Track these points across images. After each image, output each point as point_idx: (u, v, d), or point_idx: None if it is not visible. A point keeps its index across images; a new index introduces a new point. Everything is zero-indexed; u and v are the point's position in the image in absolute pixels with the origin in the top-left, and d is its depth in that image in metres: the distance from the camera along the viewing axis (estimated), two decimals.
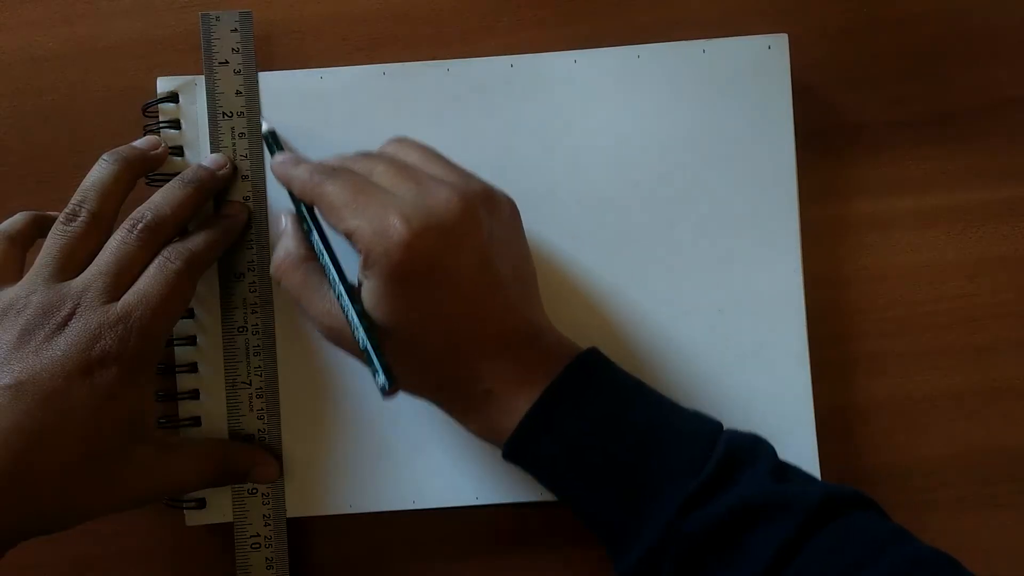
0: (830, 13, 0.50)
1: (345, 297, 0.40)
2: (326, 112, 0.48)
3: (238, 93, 0.47)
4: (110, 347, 0.40)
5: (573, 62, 0.48)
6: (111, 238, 0.43)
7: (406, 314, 0.40)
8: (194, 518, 0.47)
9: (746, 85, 0.47)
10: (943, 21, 0.50)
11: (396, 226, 0.39)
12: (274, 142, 0.46)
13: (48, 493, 0.39)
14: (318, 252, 0.43)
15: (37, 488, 0.39)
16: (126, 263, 0.42)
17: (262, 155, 0.47)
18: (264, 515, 0.47)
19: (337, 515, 0.48)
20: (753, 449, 0.41)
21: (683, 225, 0.48)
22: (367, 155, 0.43)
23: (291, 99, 0.48)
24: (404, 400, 0.44)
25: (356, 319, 0.40)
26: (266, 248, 0.47)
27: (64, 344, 0.40)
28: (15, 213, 0.49)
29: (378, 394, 0.39)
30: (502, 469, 0.46)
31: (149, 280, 0.42)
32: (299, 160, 0.44)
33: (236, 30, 0.47)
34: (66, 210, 0.43)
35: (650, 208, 0.48)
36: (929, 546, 0.38)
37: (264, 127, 0.47)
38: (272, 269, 0.43)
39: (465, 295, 0.40)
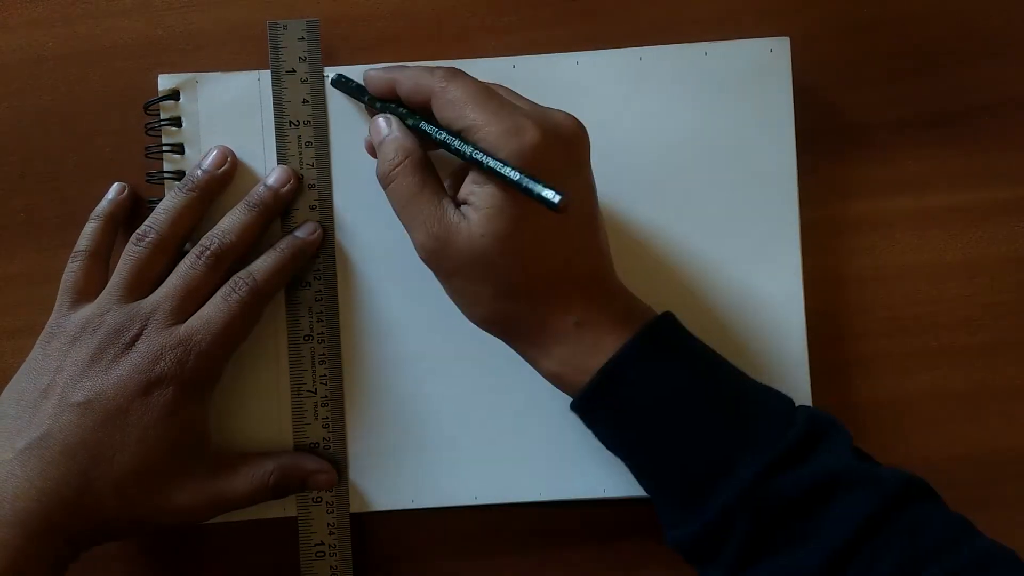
0: (830, 13, 0.50)
1: (482, 153, 0.39)
2: (326, 112, 0.47)
3: (304, 102, 0.47)
4: (168, 369, 0.42)
5: (575, 63, 0.48)
6: (180, 263, 0.44)
7: (517, 223, 0.39)
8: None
9: (748, 87, 0.47)
10: (943, 21, 0.50)
11: (529, 128, 0.39)
12: (346, 80, 0.46)
13: (110, 505, 0.42)
14: (439, 139, 0.41)
15: (100, 500, 0.41)
16: (192, 287, 0.44)
17: (329, 164, 0.47)
18: (328, 523, 0.47)
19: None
20: (833, 424, 0.41)
21: (684, 225, 0.48)
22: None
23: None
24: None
25: (498, 162, 0.38)
26: (332, 257, 0.47)
27: (129, 364, 0.42)
28: (16, 214, 0.49)
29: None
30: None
31: (214, 308, 0.44)
32: (400, 66, 0.44)
33: (303, 39, 0.47)
34: (137, 232, 0.45)
35: (651, 208, 0.48)
36: (995, 541, 0.39)
37: (331, 75, 0.46)
38: (387, 170, 0.42)
39: (573, 221, 0.41)
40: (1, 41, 0.49)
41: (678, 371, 0.41)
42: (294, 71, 0.47)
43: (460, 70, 0.42)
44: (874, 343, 0.49)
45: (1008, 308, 0.50)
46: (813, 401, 0.47)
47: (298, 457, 0.47)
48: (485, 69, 0.47)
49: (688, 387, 0.41)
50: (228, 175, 0.46)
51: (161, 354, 0.42)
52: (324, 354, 0.47)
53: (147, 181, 0.47)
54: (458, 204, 0.41)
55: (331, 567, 0.47)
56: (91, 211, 0.48)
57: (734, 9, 0.49)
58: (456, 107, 0.40)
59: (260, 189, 0.46)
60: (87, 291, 0.44)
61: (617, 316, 0.41)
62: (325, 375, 0.47)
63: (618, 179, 0.47)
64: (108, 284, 0.44)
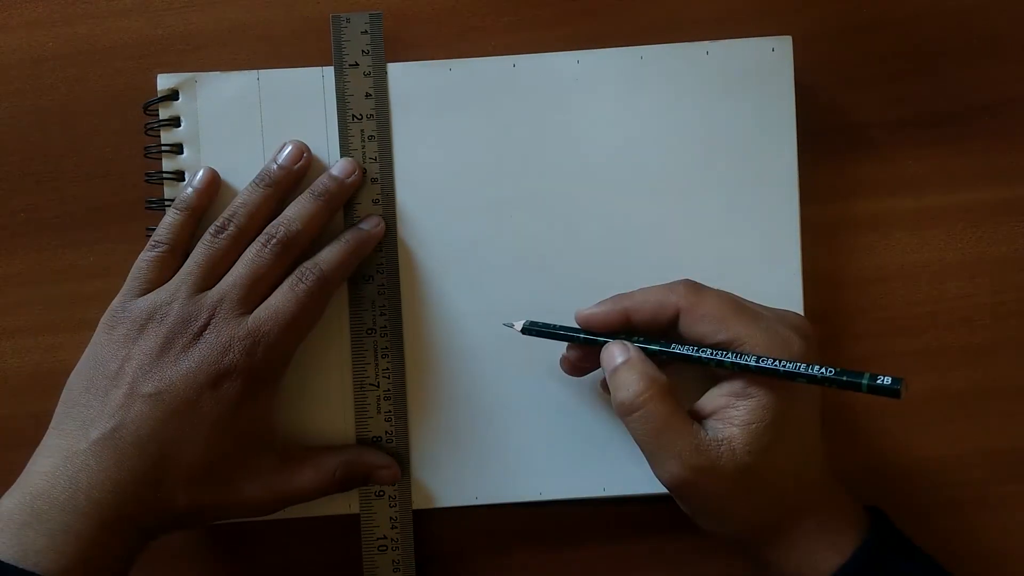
0: (831, 13, 0.50)
1: (774, 363, 0.39)
2: (326, 111, 0.47)
3: (367, 95, 0.47)
4: (237, 360, 0.42)
5: (576, 62, 0.48)
6: (246, 251, 0.44)
7: (781, 432, 0.40)
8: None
9: (749, 87, 0.47)
10: (943, 21, 0.50)
11: (793, 339, 0.40)
12: (541, 326, 0.45)
13: (180, 497, 0.42)
14: (696, 353, 0.41)
15: (170, 491, 0.41)
16: (259, 276, 0.43)
17: (391, 158, 0.47)
18: (391, 518, 0.48)
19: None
20: None
21: (684, 225, 0.48)
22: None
23: (292, 97, 0.47)
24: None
25: (803, 365, 0.39)
26: (394, 250, 0.47)
27: (198, 355, 0.42)
28: (16, 214, 0.49)
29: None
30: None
31: (281, 297, 0.43)
32: (626, 295, 0.44)
33: (366, 32, 0.47)
34: (216, 223, 0.44)
35: (652, 208, 0.48)
36: None
37: (518, 325, 0.46)
38: (630, 398, 0.41)
39: (814, 427, 0.42)
40: (1, 41, 0.49)
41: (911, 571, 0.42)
42: (357, 65, 0.47)
43: (698, 284, 0.43)
44: (874, 343, 0.49)
45: (1008, 308, 0.50)
46: None
47: (363, 451, 0.47)
48: (487, 69, 0.48)
49: None
50: (303, 170, 0.46)
51: (230, 345, 0.42)
52: (387, 348, 0.47)
53: (146, 181, 0.47)
54: (699, 421, 0.41)
55: (393, 561, 0.47)
56: (91, 211, 0.48)
57: (735, 8, 0.49)
58: (712, 322, 0.41)
59: (325, 179, 0.46)
60: (157, 281, 0.44)
61: (844, 515, 0.42)
62: (388, 369, 0.47)
63: (618, 179, 0.48)
64: (179, 272, 0.44)
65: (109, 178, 0.49)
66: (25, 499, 0.40)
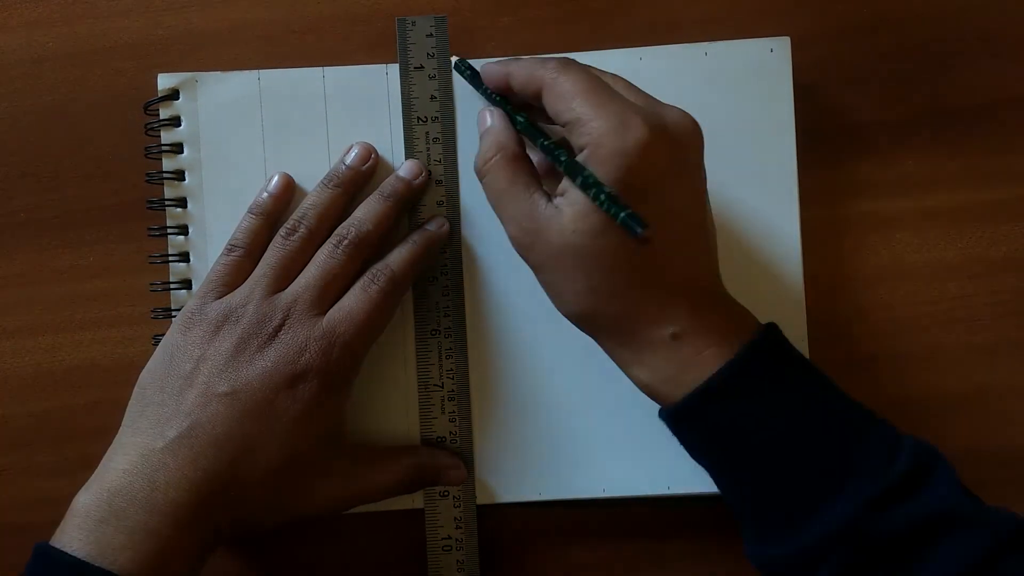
0: (830, 13, 0.50)
1: (574, 168, 0.38)
2: (326, 111, 0.47)
3: (432, 98, 0.47)
4: (313, 361, 0.42)
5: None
6: (318, 252, 0.44)
7: (610, 223, 0.37)
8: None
9: (748, 87, 0.47)
10: (943, 21, 0.50)
11: (637, 125, 0.38)
12: (466, 67, 0.46)
13: (254, 497, 0.42)
14: (538, 141, 0.41)
15: (245, 492, 0.42)
16: (331, 277, 0.44)
17: (456, 160, 0.47)
18: (456, 518, 0.48)
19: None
20: (940, 458, 0.39)
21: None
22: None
23: (294, 97, 0.47)
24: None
25: (591, 176, 0.37)
26: (459, 252, 0.47)
27: (273, 356, 0.42)
28: (16, 214, 0.49)
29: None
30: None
31: (354, 299, 0.44)
32: (517, 59, 0.43)
33: (431, 35, 0.47)
34: (286, 225, 0.45)
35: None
36: None
37: (453, 59, 0.46)
38: (480, 164, 0.42)
39: (674, 224, 0.39)
40: (1, 41, 0.49)
41: (783, 392, 0.39)
42: (422, 67, 0.47)
43: (574, 60, 0.41)
44: (874, 343, 0.49)
45: (1008, 308, 0.50)
46: None
47: (432, 452, 0.47)
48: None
49: (792, 409, 0.39)
50: (371, 171, 0.47)
51: (305, 346, 0.42)
52: (451, 348, 0.47)
53: (147, 181, 0.47)
54: (551, 197, 0.40)
55: (458, 561, 0.47)
56: (91, 211, 0.48)
57: (734, 9, 0.49)
58: (565, 99, 0.39)
59: (393, 180, 0.46)
60: (233, 284, 0.44)
61: (718, 328, 0.39)
62: (452, 369, 0.47)
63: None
64: (252, 274, 0.44)
65: (109, 178, 0.49)
66: (103, 495, 0.40)
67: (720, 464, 0.40)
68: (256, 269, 0.45)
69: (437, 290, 0.47)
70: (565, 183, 0.39)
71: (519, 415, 0.48)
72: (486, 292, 0.48)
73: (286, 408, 0.42)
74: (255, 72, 0.47)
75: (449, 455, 0.47)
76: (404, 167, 0.47)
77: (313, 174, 0.47)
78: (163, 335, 0.47)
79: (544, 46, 0.48)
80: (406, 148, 0.47)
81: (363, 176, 0.46)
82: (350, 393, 0.45)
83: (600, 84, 0.40)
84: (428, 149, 0.47)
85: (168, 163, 0.47)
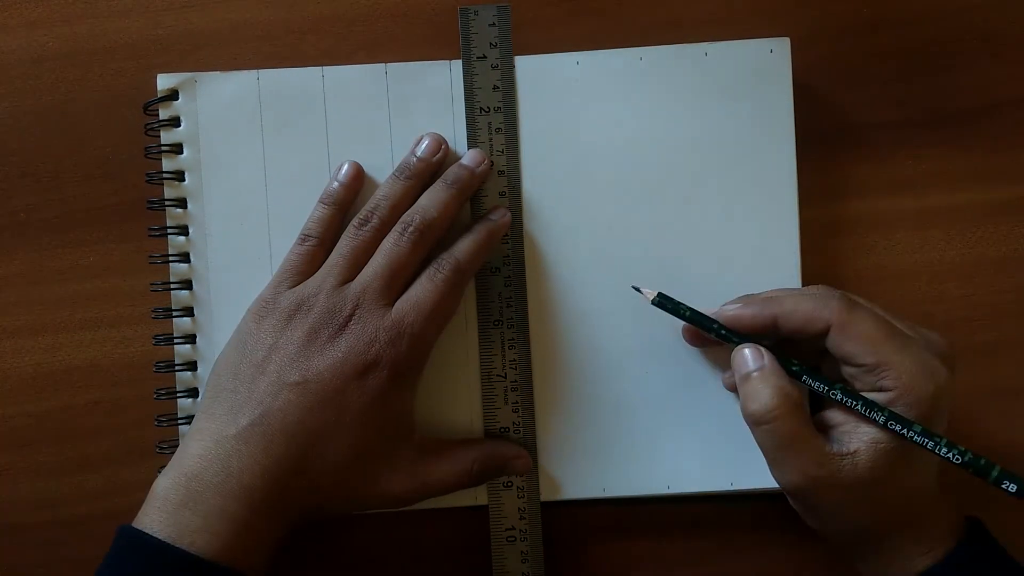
0: (830, 13, 0.50)
1: (903, 425, 0.40)
2: (326, 111, 0.47)
3: (495, 88, 0.47)
4: (383, 351, 0.43)
5: (575, 63, 0.48)
6: (383, 241, 0.45)
7: (907, 454, 0.40)
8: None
9: (748, 88, 0.47)
10: (943, 21, 0.50)
11: (939, 369, 0.40)
12: (674, 303, 0.45)
13: (323, 485, 0.42)
14: (836, 397, 0.42)
15: (315, 480, 0.42)
16: (398, 266, 0.44)
17: (518, 151, 0.47)
18: (519, 508, 0.48)
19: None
20: None
21: (684, 225, 0.48)
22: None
23: (294, 97, 0.47)
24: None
25: (934, 442, 0.40)
26: (520, 244, 0.47)
27: (344, 346, 0.42)
28: (16, 214, 0.49)
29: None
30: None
31: (421, 289, 0.44)
32: (774, 298, 0.44)
33: (494, 24, 0.47)
34: (359, 215, 0.45)
35: (651, 209, 0.48)
36: None
37: (648, 294, 0.46)
38: (762, 411, 0.41)
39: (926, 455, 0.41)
40: (1, 41, 0.49)
41: None
42: (484, 57, 0.47)
43: (851, 296, 0.42)
44: None
45: (1008, 308, 0.50)
46: None
47: (497, 445, 0.47)
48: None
49: None
50: (441, 162, 0.47)
51: (375, 336, 0.43)
52: (513, 339, 0.47)
53: (147, 181, 0.47)
54: (824, 429, 0.42)
55: (521, 552, 0.47)
56: (91, 211, 0.48)
57: (734, 9, 0.49)
58: (862, 343, 0.40)
59: (456, 168, 0.46)
60: (307, 274, 0.45)
61: (945, 520, 0.42)
62: (515, 360, 0.47)
63: (618, 179, 0.48)
64: (325, 264, 0.45)
65: (109, 178, 0.49)
66: (180, 479, 0.41)
67: None
68: (328, 258, 0.45)
69: (499, 281, 0.47)
70: (837, 415, 0.42)
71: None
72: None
73: (356, 398, 0.42)
74: (254, 72, 0.47)
75: (513, 445, 0.47)
76: (467, 156, 0.47)
77: (313, 174, 0.47)
78: (163, 335, 0.47)
79: (545, 46, 0.48)
80: (468, 138, 0.47)
81: (433, 167, 0.46)
82: (417, 384, 0.45)
83: (892, 327, 0.41)
84: (491, 139, 0.47)
85: (168, 163, 0.47)
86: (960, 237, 0.50)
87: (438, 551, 0.49)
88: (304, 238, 0.45)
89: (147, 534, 0.39)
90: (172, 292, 0.47)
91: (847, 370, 0.42)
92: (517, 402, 0.48)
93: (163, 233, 0.47)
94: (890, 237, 0.50)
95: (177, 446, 0.46)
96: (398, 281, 0.44)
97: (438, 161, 0.46)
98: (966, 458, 0.40)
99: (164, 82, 0.47)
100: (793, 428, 0.41)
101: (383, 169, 0.47)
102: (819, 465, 0.40)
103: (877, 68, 0.50)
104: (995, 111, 0.50)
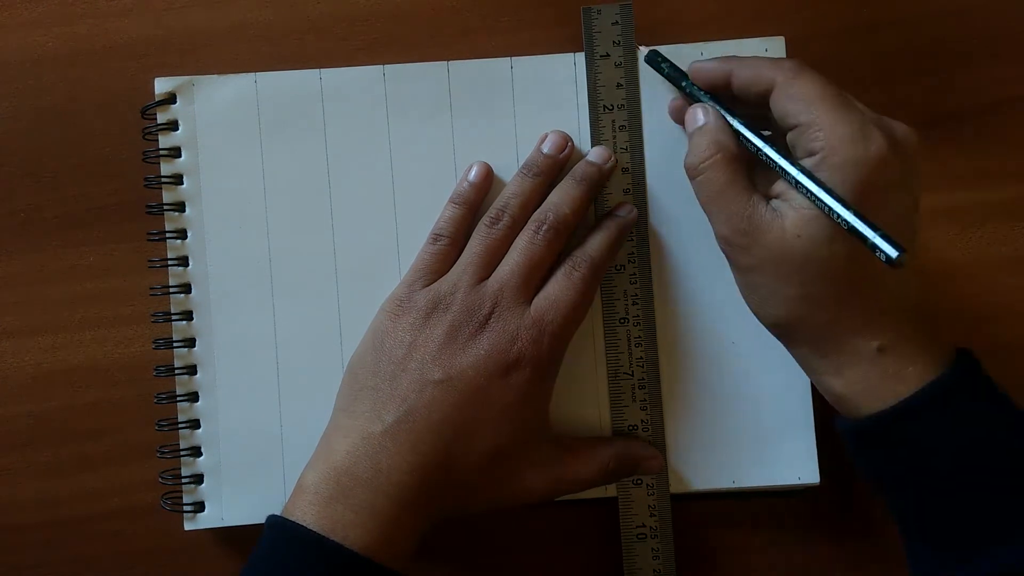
0: (829, 13, 0.49)
1: (811, 180, 0.38)
2: (324, 113, 0.47)
3: (619, 86, 0.47)
4: (525, 350, 0.43)
5: (575, 63, 0.48)
6: (517, 239, 0.45)
7: (838, 230, 0.38)
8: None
9: None
10: (943, 21, 0.50)
11: (876, 137, 0.38)
12: (660, 59, 0.46)
13: (468, 482, 0.43)
14: (757, 147, 0.41)
15: (462, 477, 0.42)
16: (534, 264, 0.44)
17: (642, 148, 0.47)
18: (650, 506, 0.47)
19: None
20: None
21: (682, 226, 0.48)
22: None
23: (292, 100, 0.47)
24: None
25: (830, 196, 0.37)
26: (646, 241, 0.47)
27: (486, 345, 0.43)
28: (16, 214, 0.49)
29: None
30: None
31: (558, 286, 0.44)
32: (735, 57, 0.44)
33: (617, 23, 0.47)
34: (489, 214, 0.45)
35: (650, 209, 0.48)
36: None
37: (643, 50, 0.46)
38: (696, 161, 0.42)
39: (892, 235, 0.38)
40: (1, 41, 0.49)
41: (980, 420, 0.39)
42: (608, 55, 0.47)
43: (807, 65, 0.41)
44: None
45: (1008, 308, 0.50)
46: (813, 401, 0.47)
47: (631, 443, 0.47)
48: (485, 70, 0.48)
49: (987, 440, 0.38)
50: (567, 159, 0.47)
51: (517, 335, 0.43)
52: (640, 337, 0.47)
53: (145, 186, 0.47)
54: (768, 198, 0.41)
55: (652, 549, 0.47)
56: (91, 211, 0.48)
57: (732, 9, 0.49)
58: (801, 102, 0.39)
59: (584, 165, 0.46)
60: (440, 272, 0.45)
61: (921, 347, 0.40)
62: (641, 357, 0.47)
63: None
64: (458, 262, 0.45)
65: (109, 178, 0.49)
66: (330, 474, 0.41)
67: (901, 483, 0.40)
68: (461, 257, 0.45)
69: (625, 279, 0.47)
70: (782, 185, 0.40)
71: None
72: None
73: (500, 396, 0.42)
74: (252, 75, 0.47)
75: (647, 445, 0.47)
76: (593, 152, 0.47)
77: (311, 176, 0.47)
78: (162, 337, 0.47)
79: (544, 46, 0.48)
80: (592, 136, 0.47)
81: (559, 164, 0.46)
82: (554, 382, 0.45)
83: (838, 91, 0.40)
84: (615, 137, 0.47)
85: (166, 167, 0.47)
86: (960, 237, 0.50)
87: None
88: (436, 237, 0.45)
89: (302, 526, 0.40)
90: (171, 296, 0.47)
91: (789, 137, 0.41)
92: (645, 400, 0.47)
93: (162, 238, 0.47)
94: None
95: (177, 449, 0.47)
96: (534, 279, 0.44)
97: (564, 158, 0.46)
98: (852, 213, 0.37)
99: (162, 86, 0.47)
100: (724, 178, 0.41)
101: (384, 170, 0.47)
102: (746, 218, 0.40)
103: (876, 68, 0.50)
104: (995, 111, 0.50)
